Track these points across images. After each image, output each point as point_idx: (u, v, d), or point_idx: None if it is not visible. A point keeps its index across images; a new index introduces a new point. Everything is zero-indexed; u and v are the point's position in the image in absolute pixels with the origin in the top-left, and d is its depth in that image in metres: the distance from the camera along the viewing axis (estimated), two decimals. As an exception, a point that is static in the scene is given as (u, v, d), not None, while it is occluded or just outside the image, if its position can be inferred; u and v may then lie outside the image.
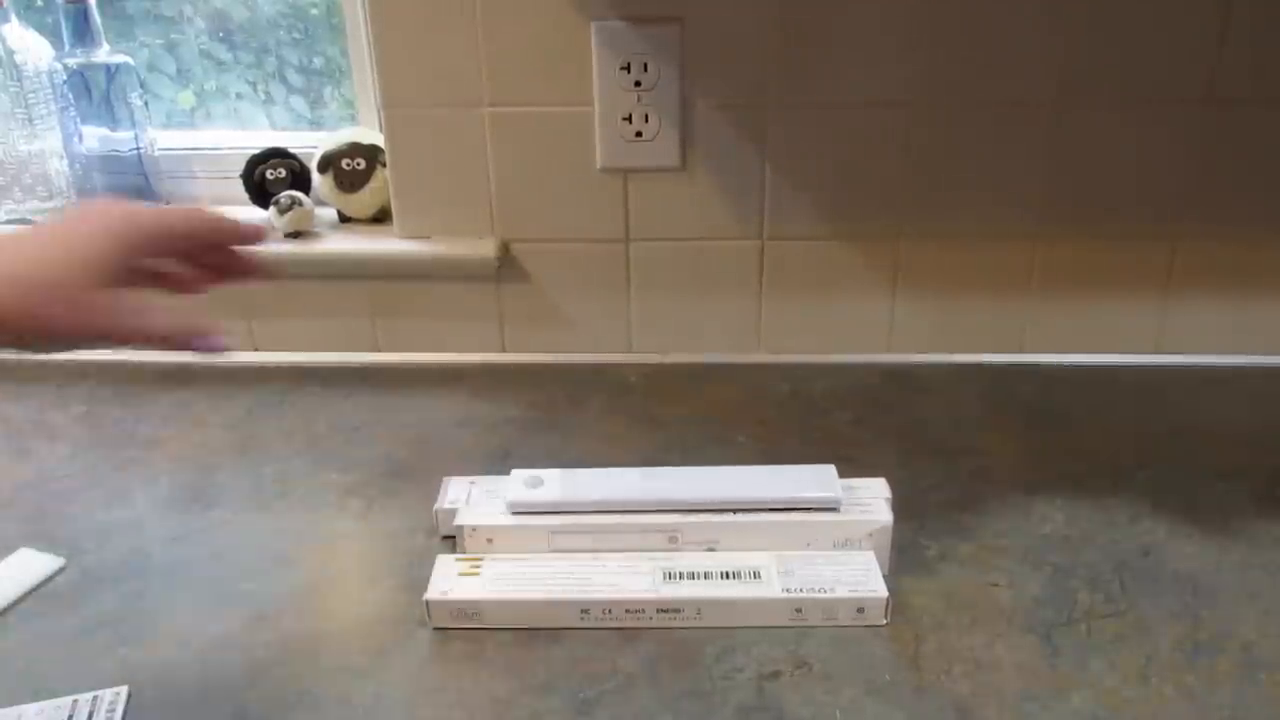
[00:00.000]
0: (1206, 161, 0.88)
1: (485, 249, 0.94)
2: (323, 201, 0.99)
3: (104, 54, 0.98)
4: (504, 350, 1.00)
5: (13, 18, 0.97)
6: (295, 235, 0.96)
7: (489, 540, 0.67)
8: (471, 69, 0.88)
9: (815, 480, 0.68)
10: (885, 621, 0.63)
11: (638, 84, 0.88)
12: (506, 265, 0.96)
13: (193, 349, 0.54)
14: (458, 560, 0.66)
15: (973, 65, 0.86)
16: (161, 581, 0.69)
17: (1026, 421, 0.86)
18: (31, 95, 0.98)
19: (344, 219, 1.00)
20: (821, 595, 0.62)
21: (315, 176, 0.98)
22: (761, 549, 0.66)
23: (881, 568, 0.65)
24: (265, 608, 0.66)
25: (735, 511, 0.66)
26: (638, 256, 0.95)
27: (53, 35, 0.99)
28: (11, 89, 0.98)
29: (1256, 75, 0.85)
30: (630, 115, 0.89)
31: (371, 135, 0.98)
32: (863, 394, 0.91)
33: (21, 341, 0.50)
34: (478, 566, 0.65)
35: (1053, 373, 0.94)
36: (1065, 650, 0.61)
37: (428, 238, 0.95)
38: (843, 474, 0.68)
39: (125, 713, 0.57)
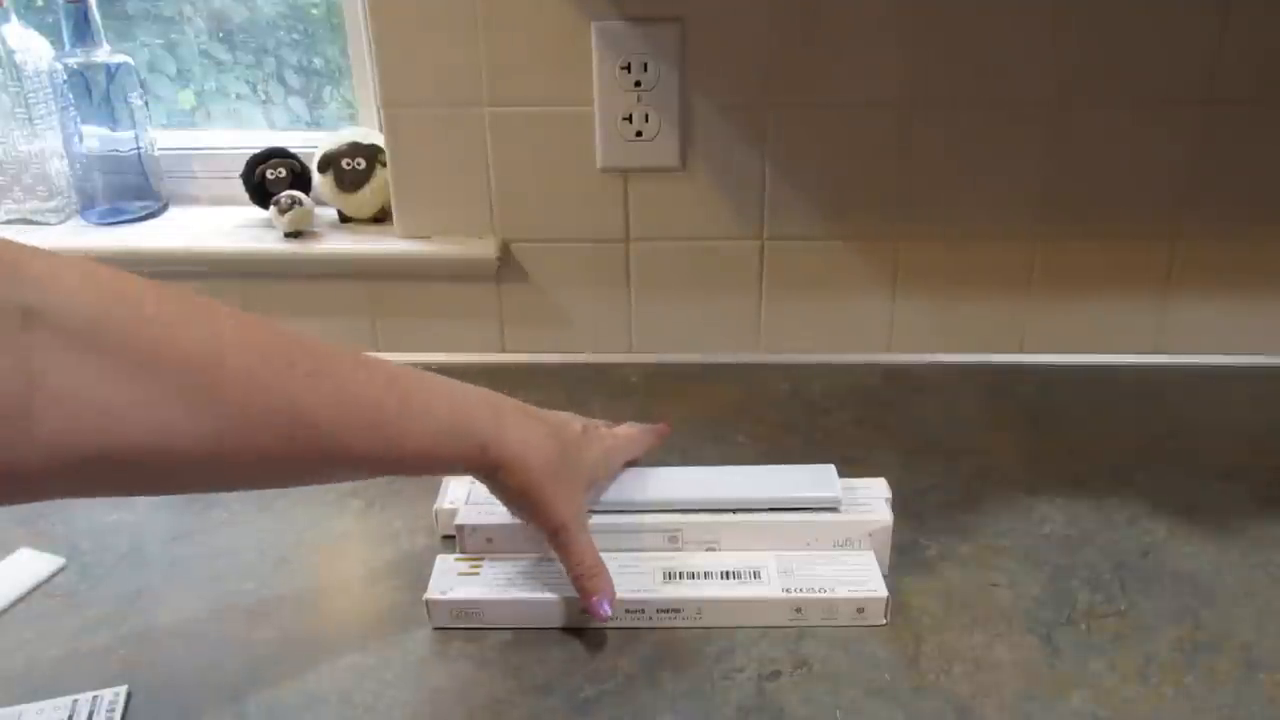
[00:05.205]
0: (1206, 161, 0.88)
1: (485, 249, 0.94)
2: (323, 201, 0.99)
3: (104, 54, 0.98)
4: (504, 350, 1.00)
5: (13, 18, 0.97)
6: (295, 235, 0.96)
7: (489, 540, 0.67)
8: (471, 69, 0.88)
9: (815, 480, 0.68)
10: (885, 621, 0.63)
11: (638, 84, 0.88)
12: (506, 265, 0.96)
13: (588, 602, 0.61)
14: (458, 560, 0.66)
15: (973, 65, 0.86)
16: (161, 581, 0.69)
17: (1026, 421, 0.86)
18: (31, 95, 0.98)
19: (344, 219, 1.00)
20: (821, 595, 0.62)
21: (315, 176, 0.98)
22: (761, 549, 0.66)
23: (881, 568, 0.65)
24: (265, 607, 0.66)
25: (735, 511, 0.66)
26: (638, 256, 0.95)
27: (53, 35, 0.99)
28: (11, 89, 0.98)
29: (1256, 75, 0.85)
30: (630, 115, 0.89)
31: (371, 135, 0.98)
32: (863, 394, 0.91)
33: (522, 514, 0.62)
34: (478, 566, 0.65)
35: (1053, 373, 0.94)
36: (1065, 650, 0.61)
37: (428, 238, 0.95)
38: (843, 474, 0.68)
39: (125, 713, 0.57)
